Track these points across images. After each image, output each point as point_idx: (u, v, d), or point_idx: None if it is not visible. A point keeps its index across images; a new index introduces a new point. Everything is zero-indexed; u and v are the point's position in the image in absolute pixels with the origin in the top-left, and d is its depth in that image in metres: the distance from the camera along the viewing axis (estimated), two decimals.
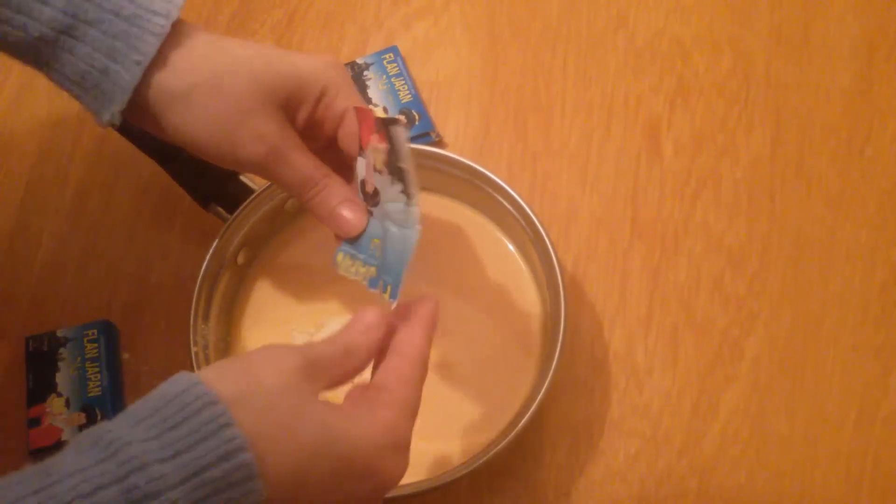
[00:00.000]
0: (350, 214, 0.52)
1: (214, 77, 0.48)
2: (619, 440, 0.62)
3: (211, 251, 0.60)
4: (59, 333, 0.65)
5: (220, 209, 0.63)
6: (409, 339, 0.46)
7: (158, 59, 0.48)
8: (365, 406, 0.43)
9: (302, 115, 0.51)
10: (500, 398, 0.59)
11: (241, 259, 0.63)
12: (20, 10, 0.46)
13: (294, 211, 0.65)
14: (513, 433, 0.55)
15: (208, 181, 0.63)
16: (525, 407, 0.56)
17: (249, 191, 0.63)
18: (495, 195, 0.62)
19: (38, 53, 0.48)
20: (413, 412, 0.44)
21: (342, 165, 0.53)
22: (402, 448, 0.43)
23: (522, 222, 0.61)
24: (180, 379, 0.38)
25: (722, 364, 0.64)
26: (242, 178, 0.64)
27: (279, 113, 0.50)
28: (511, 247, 0.64)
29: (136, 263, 0.69)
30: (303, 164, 0.51)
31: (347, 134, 0.52)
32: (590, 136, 0.71)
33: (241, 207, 0.62)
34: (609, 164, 0.70)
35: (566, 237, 0.68)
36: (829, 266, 0.66)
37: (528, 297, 0.63)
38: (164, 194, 0.70)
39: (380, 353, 0.46)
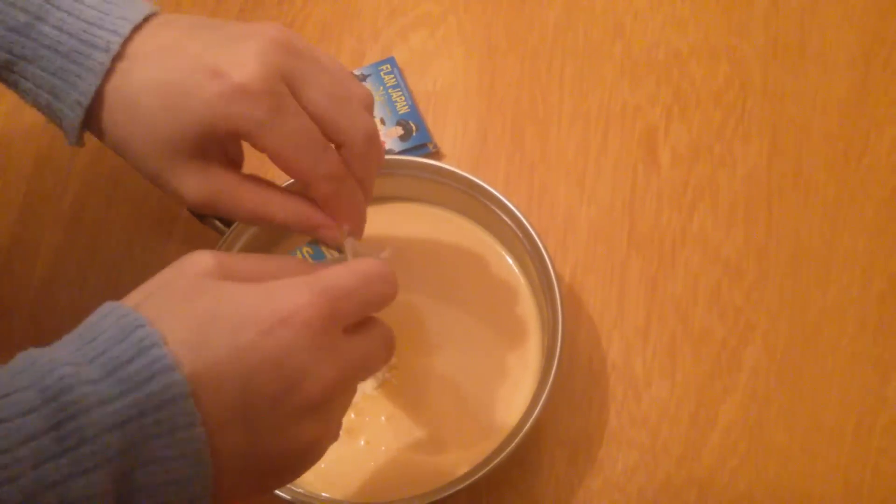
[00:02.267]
0: (324, 238, 0.49)
1: (123, 141, 0.46)
2: (617, 451, 0.62)
3: None
4: None
5: (217, 221, 0.63)
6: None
7: (97, 102, 0.45)
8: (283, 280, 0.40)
9: (232, 150, 0.48)
10: (497, 410, 0.59)
11: None
12: None
13: None
14: (511, 446, 0.55)
15: None
16: (523, 419, 0.56)
17: None
18: (492, 206, 0.62)
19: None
20: (326, 285, 0.39)
21: None
22: (307, 284, 0.39)
23: (519, 234, 0.61)
24: (102, 307, 0.39)
25: (720, 375, 0.64)
26: None
27: (196, 163, 0.45)
28: (508, 258, 0.64)
29: (134, 276, 0.69)
30: (245, 207, 0.47)
31: (280, 168, 0.47)
32: (587, 146, 0.71)
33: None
34: (606, 174, 0.70)
35: (564, 248, 0.68)
36: (827, 276, 0.66)
37: (526, 308, 0.63)
38: (161, 206, 0.70)
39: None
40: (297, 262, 0.43)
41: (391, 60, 0.74)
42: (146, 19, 0.46)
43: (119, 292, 0.68)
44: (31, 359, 0.36)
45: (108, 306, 0.39)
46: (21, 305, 0.69)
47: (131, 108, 0.45)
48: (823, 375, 0.63)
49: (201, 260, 0.40)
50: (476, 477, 0.54)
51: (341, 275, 0.40)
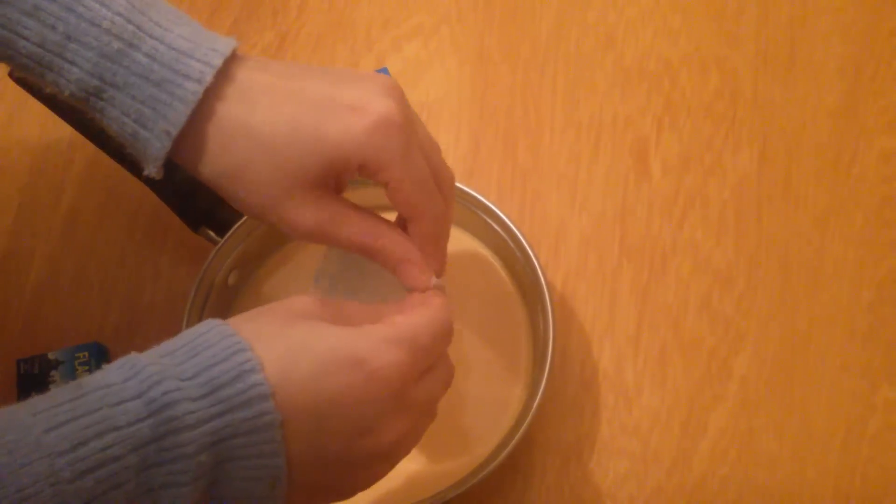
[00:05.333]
0: (406, 276, 0.48)
1: (236, 169, 0.45)
2: (608, 460, 0.63)
3: (201, 274, 0.61)
4: (51, 356, 0.65)
5: (211, 232, 0.64)
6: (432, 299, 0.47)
7: (192, 130, 0.44)
8: (371, 322, 0.44)
9: (345, 180, 0.48)
10: (489, 419, 0.60)
11: (231, 280, 0.64)
12: (51, 67, 0.44)
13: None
14: (502, 454, 0.55)
15: (198, 204, 0.64)
16: (514, 428, 0.57)
17: (240, 214, 0.63)
18: (484, 216, 0.63)
19: (76, 106, 0.46)
20: (417, 330, 0.43)
21: None
22: (394, 341, 0.42)
23: (511, 243, 0.62)
24: (204, 324, 0.42)
25: (710, 383, 0.64)
26: None
27: (313, 194, 0.45)
28: (500, 266, 0.65)
29: (128, 285, 0.70)
30: (348, 237, 0.47)
31: (392, 199, 0.47)
32: (578, 156, 0.72)
33: (232, 230, 0.62)
34: (598, 184, 0.71)
35: (555, 257, 0.68)
36: (817, 285, 0.67)
37: (517, 317, 0.63)
38: (155, 217, 0.71)
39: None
40: (387, 307, 0.47)
41: (384, 71, 0.74)
42: (233, 52, 0.46)
43: (112, 302, 0.69)
44: (136, 368, 0.39)
45: (210, 323, 0.42)
46: (15, 314, 0.69)
47: (255, 137, 0.44)
48: (813, 384, 0.64)
49: (304, 299, 0.43)
50: (467, 485, 0.54)
51: (421, 331, 0.44)
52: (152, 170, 0.46)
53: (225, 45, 0.45)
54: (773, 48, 0.74)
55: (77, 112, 0.47)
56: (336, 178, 0.47)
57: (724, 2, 0.76)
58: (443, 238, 0.50)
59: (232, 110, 0.45)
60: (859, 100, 0.72)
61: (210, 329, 0.41)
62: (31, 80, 0.46)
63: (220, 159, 0.45)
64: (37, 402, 0.38)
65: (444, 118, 0.73)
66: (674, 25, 0.75)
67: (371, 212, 0.49)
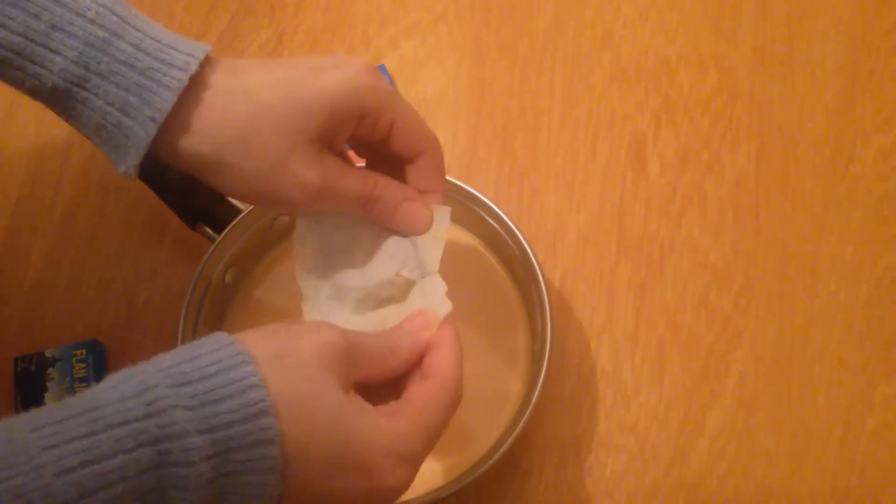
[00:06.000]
0: (410, 216, 0.50)
1: (240, 135, 0.45)
2: (606, 457, 0.63)
3: (198, 271, 0.61)
4: (48, 354, 0.65)
5: (208, 229, 0.64)
6: (443, 362, 0.46)
7: (178, 117, 0.45)
8: (386, 411, 0.43)
9: (341, 139, 0.48)
10: (486, 416, 0.60)
11: (228, 278, 0.64)
12: (32, 58, 0.44)
13: (282, 230, 0.65)
14: (500, 451, 0.55)
15: (195, 202, 0.63)
16: (512, 425, 0.57)
17: (237, 211, 0.63)
18: (482, 213, 0.63)
19: (54, 102, 0.46)
20: (431, 434, 0.44)
21: (391, 162, 0.51)
22: (408, 460, 0.43)
23: (509, 240, 0.62)
24: (217, 339, 0.40)
25: (708, 380, 0.64)
26: (230, 198, 0.64)
27: (315, 148, 0.46)
28: (498, 264, 0.65)
29: (125, 283, 0.70)
30: (349, 189, 0.48)
31: (397, 141, 0.49)
32: (576, 153, 0.72)
33: (229, 227, 0.62)
34: (595, 181, 0.71)
35: (553, 254, 0.68)
36: (814, 282, 0.67)
37: (515, 314, 0.63)
38: (152, 214, 0.71)
39: (414, 368, 0.47)
40: (405, 339, 0.47)
41: (382, 68, 0.74)
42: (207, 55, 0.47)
43: (110, 299, 0.69)
44: (154, 394, 0.38)
45: (235, 357, 0.40)
46: (12, 312, 0.69)
47: (255, 100, 0.45)
48: (811, 381, 0.64)
49: (331, 338, 0.42)
50: (465, 483, 0.54)
51: (434, 433, 0.45)
52: (131, 163, 0.45)
53: (205, 45, 0.46)
54: (770, 46, 0.74)
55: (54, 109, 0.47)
56: (334, 134, 0.47)
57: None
58: (443, 163, 0.51)
59: (226, 82, 0.45)
60: (857, 97, 0.72)
61: (234, 367, 0.40)
62: (9, 77, 0.45)
63: (222, 131, 0.45)
64: (37, 416, 0.37)
65: (441, 116, 0.73)
66: (671, 23, 0.75)
67: (366, 168, 0.51)
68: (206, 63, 0.45)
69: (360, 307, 0.51)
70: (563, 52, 0.75)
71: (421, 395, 0.45)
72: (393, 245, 0.51)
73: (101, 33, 0.44)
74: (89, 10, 0.44)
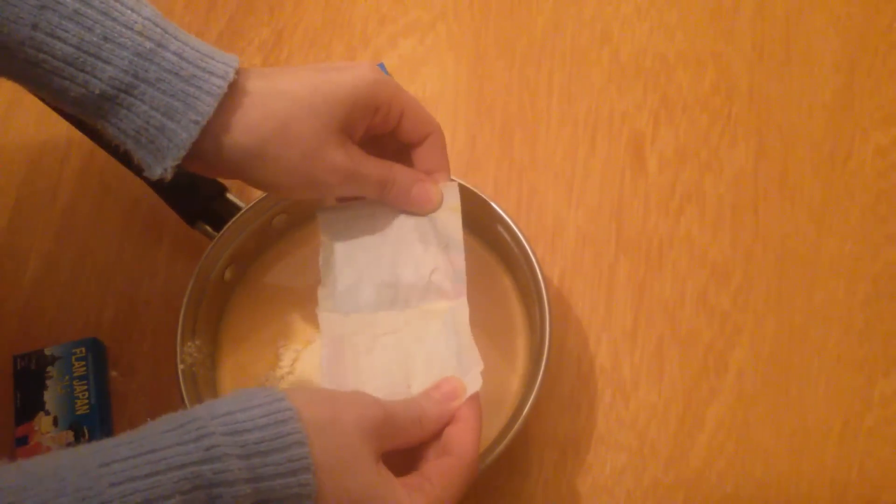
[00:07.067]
0: (423, 194, 0.55)
1: (281, 127, 0.50)
2: (605, 454, 0.63)
3: (198, 269, 0.61)
4: (47, 352, 0.65)
5: (207, 227, 0.64)
6: (464, 440, 0.48)
7: (221, 117, 0.49)
8: (409, 487, 0.46)
9: (360, 129, 0.53)
10: (486, 413, 0.59)
11: (228, 276, 0.64)
12: (84, 68, 0.47)
13: (281, 228, 0.65)
14: (499, 448, 0.55)
15: (195, 200, 0.64)
16: (511, 422, 0.57)
17: (236, 208, 0.63)
18: (481, 211, 0.63)
19: (97, 108, 0.48)
20: None
21: (398, 148, 0.56)
22: None
23: (508, 237, 0.62)
24: (269, 392, 0.44)
25: (707, 377, 0.64)
26: (229, 196, 0.64)
27: (342, 137, 0.52)
28: (497, 261, 0.65)
29: (125, 281, 0.70)
30: (371, 173, 0.53)
31: (406, 127, 0.54)
32: (575, 151, 0.72)
33: (228, 225, 0.62)
34: (594, 179, 0.71)
35: (552, 252, 0.68)
36: (813, 279, 0.67)
37: (514, 312, 0.63)
38: (151, 212, 0.71)
39: (437, 438, 0.49)
40: (434, 410, 0.49)
41: (381, 66, 0.74)
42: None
43: (109, 297, 0.69)
44: (211, 441, 0.41)
45: (293, 434, 0.43)
46: (11, 310, 0.69)
47: (290, 97, 0.50)
48: (809, 377, 0.64)
49: (373, 413, 0.46)
50: None
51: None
52: (169, 164, 0.49)
53: (233, 56, 0.50)
54: (768, 44, 0.74)
55: (84, 121, 0.50)
56: (354, 124, 0.52)
57: None
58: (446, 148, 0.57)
59: (262, 85, 0.50)
60: (855, 95, 0.72)
61: (283, 422, 0.43)
62: (53, 86, 0.49)
63: (263, 125, 0.49)
64: (105, 451, 0.40)
65: (440, 114, 0.73)
66: (670, 21, 0.75)
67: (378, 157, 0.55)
68: (239, 72, 0.50)
69: (378, 303, 0.54)
70: (561, 50, 0.75)
71: (440, 475, 0.47)
72: (421, 248, 0.55)
73: (147, 44, 0.48)
74: (136, 23, 0.48)
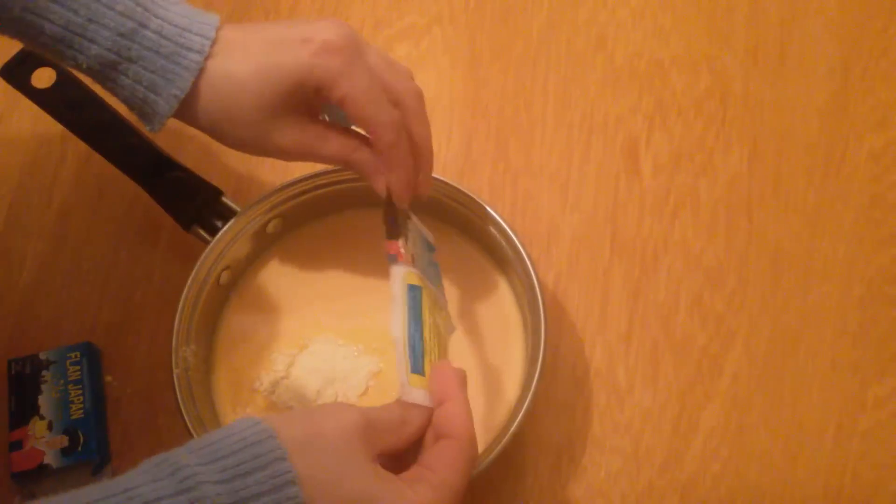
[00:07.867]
0: (379, 187, 0.55)
1: (226, 111, 0.53)
2: (600, 458, 0.63)
3: (193, 273, 0.61)
4: (42, 356, 0.65)
5: (202, 231, 0.64)
6: (455, 418, 0.47)
7: (193, 91, 0.53)
8: (409, 479, 0.45)
9: (315, 107, 0.55)
10: (481, 418, 0.59)
11: (223, 280, 0.64)
12: (72, 45, 0.52)
13: (276, 233, 0.65)
14: (494, 452, 0.55)
15: (190, 203, 0.64)
16: (506, 425, 0.57)
17: (232, 212, 0.63)
18: (476, 215, 0.63)
19: (90, 77, 0.54)
20: (455, 494, 0.45)
21: None
22: None
23: (503, 242, 0.62)
24: (245, 420, 0.43)
25: (701, 381, 0.64)
26: (224, 199, 0.64)
27: (293, 118, 0.54)
28: (492, 266, 0.65)
29: (120, 285, 0.70)
30: (329, 152, 0.55)
31: (350, 116, 0.54)
32: (570, 155, 0.72)
33: (223, 229, 0.62)
34: (589, 183, 0.71)
35: (547, 256, 0.69)
36: (807, 282, 0.67)
37: (509, 315, 0.63)
38: (147, 216, 0.71)
39: (430, 428, 0.48)
40: (415, 409, 0.48)
41: None
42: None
43: (104, 301, 0.69)
44: (186, 472, 0.40)
45: (273, 452, 0.42)
46: (6, 314, 0.69)
47: (234, 81, 0.53)
48: (804, 381, 0.64)
49: (353, 419, 0.45)
50: None
51: (457, 498, 0.46)
52: (157, 127, 0.54)
53: (213, 18, 0.54)
54: (763, 48, 0.74)
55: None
56: (304, 102, 0.54)
57: (714, 2, 0.76)
58: (404, 149, 0.55)
59: (216, 65, 0.53)
60: (849, 99, 0.72)
61: (259, 442, 0.42)
62: (49, 54, 0.53)
63: (212, 105, 0.53)
64: (78, 497, 0.40)
65: (435, 118, 0.72)
66: (664, 25, 0.76)
67: (349, 129, 0.56)
68: (215, 41, 0.53)
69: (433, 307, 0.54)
70: (556, 54, 0.75)
71: (440, 460, 0.46)
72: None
73: (129, 24, 0.52)
74: (119, 3, 0.51)
